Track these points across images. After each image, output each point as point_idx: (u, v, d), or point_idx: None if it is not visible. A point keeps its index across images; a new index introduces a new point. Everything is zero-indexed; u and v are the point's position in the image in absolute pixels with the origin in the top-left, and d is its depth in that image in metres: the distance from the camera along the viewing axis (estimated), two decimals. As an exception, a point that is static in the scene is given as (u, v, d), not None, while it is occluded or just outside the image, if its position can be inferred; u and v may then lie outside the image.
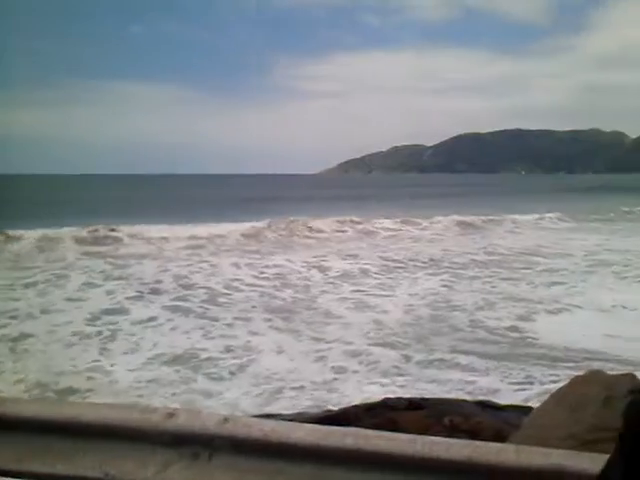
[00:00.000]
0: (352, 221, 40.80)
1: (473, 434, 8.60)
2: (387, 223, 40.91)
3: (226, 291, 19.75)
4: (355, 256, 27.69)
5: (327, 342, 14.15)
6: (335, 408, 10.65)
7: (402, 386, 11.30)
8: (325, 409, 10.75)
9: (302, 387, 11.26)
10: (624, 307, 17.22)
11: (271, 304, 18.30)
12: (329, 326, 15.64)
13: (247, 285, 20.80)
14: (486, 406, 10.83)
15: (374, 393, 10.64)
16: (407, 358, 12.92)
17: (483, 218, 44.07)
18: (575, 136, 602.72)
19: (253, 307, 17.80)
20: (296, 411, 10.18)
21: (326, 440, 2.30)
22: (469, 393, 10.75)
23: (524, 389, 11.13)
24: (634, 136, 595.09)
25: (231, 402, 10.43)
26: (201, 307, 17.54)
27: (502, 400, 10.30)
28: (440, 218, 43.18)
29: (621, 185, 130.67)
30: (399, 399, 11.90)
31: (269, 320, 16.17)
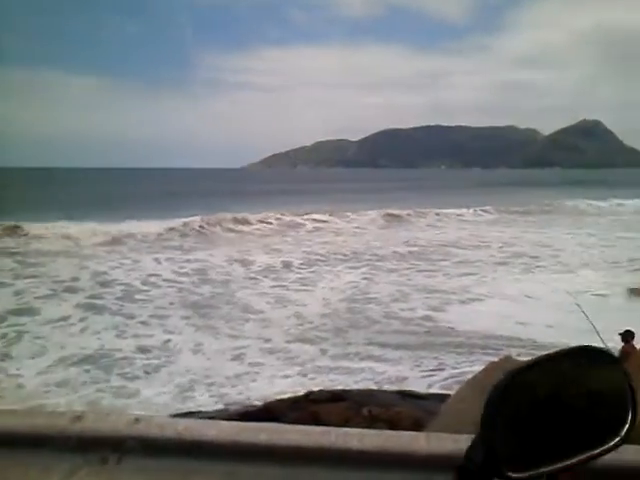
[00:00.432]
0: (278, 216, 40.75)
1: (392, 423, 8.81)
2: (313, 217, 41.11)
3: (145, 287, 19.30)
4: (279, 250, 27.69)
5: (245, 339, 14.08)
6: (258, 403, 10.74)
7: (313, 379, 11.53)
8: (248, 405, 10.78)
9: (215, 384, 11.25)
10: (529, 297, 18.22)
11: (189, 299, 18.03)
12: (247, 323, 15.54)
13: (166, 281, 20.39)
14: (406, 395, 11.14)
15: (286, 387, 10.91)
16: (323, 352, 13.14)
17: (407, 212, 45.01)
18: (492, 132, 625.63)
19: (171, 303, 17.47)
20: (213, 409, 10.20)
21: (241, 436, 2.26)
22: (377, 383, 11.13)
23: (432, 376, 11.59)
24: (547, 133, 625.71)
25: (146, 401, 10.26)
26: (116, 304, 17.09)
27: (409, 387, 10.78)
28: (365, 212, 43.81)
29: (539, 180, 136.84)
30: (321, 392, 12.06)
31: (187, 318, 15.92)
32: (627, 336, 9.57)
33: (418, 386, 10.75)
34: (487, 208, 49.12)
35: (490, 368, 7.42)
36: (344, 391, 10.81)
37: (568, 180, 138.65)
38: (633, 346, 9.33)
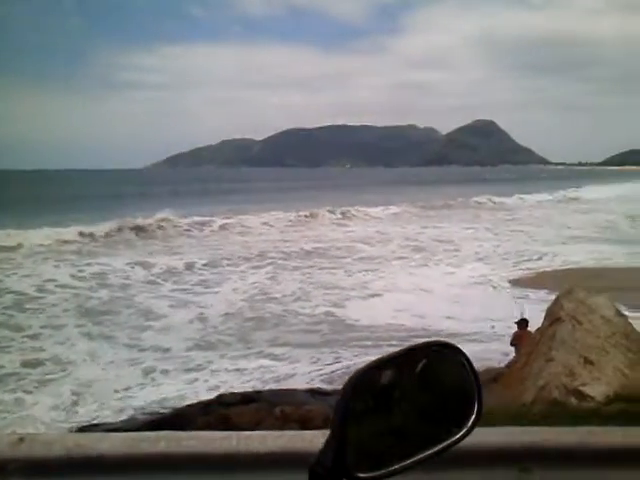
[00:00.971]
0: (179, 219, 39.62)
1: (304, 422, 8.85)
2: (216, 219, 40.43)
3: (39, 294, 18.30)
4: (182, 253, 27.06)
5: (142, 349, 13.67)
6: (165, 411, 10.44)
7: (206, 380, 11.51)
8: (154, 412, 10.46)
9: (106, 396, 10.92)
10: (423, 290, 19.03)
11: (86, 305, 17.30)
12: (146, 331, 15.08)
13: (62, 287, 19.43)
14: (315, 393, 11.25)
15: (175, 392, 10.79)
16: (222, 356, 13.08)
17: (311, 212, 45.18)
18: (394, 131, 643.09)
19: (65, 311, 16.67)
20: (119, 419, 9.83)
21: (136, 447, 2.17)
22: (264, 382, 11.42)
23: (320, 369, 12.00)
24: (445, 132, 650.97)
25: (35, 418, 9.76)
26: (3, 314, 16.09)
27: (295, 383, 11.04)
28: (274, 213, 43.57)
29: (441, 178, 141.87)
30: (233, 394, 11.93)
31: (81, 326, 15.25)
32: (521, 323, 10.41)
33: (302, 381, 11.01)
34: (391, 207, 50.11)
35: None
36: (255, 392, 10.74)
37: (470, 177, 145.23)
38: (526, 331, 10.06)
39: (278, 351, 13.24)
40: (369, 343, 13.47)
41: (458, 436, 1.07)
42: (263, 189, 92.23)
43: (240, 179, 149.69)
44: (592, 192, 70.98)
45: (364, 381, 1.02)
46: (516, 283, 19.71)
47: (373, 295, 18.68)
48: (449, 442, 1.06)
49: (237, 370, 12.15)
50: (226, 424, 9.19)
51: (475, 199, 58.75)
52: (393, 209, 49.10)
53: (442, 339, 1.11)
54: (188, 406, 10.23)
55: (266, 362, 12.55)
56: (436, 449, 1.04)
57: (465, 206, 54.18)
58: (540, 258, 24.69)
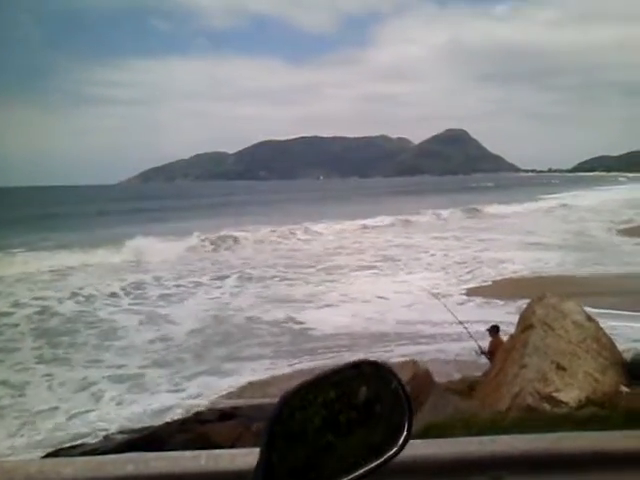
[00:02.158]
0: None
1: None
2: (192, 236, 39.76)
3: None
4: (150, 271, 26.73)
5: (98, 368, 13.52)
6: (138, 427, 10.28)
7: (150, 403, 11.52)
8: (132, 431, 10.29)
9: (58, 421, 10.80)
10: (380, 297, 19.59)
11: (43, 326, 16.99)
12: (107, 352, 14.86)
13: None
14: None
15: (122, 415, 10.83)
16: (175, 373, 13.07)
17: (291, 227, 44.60)
18: (366, 142, 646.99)
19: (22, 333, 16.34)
20: (95, 440, 9.65)
21: (102, 471, 2.11)
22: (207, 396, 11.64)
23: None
24: (417, 142, 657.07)
25: None
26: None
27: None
28: (252, 227, 43.23)
29: (419, 188, 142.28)
30: (211, 411, 11.81)
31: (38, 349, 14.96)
32: (493, 331, 10.45)
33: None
34: (375, 216, 49.89)
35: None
36: (233, 408, 10.66)
37: (454, 187, 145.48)
38: (499, 339, 10.12)
39: (231, 366, 13.29)
40: (327, 351, 13.79)
41: (390, 454, 1.06)
42: (243, 202, 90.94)
43: (219, 193, 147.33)
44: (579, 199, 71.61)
45: (294, 401, 1.02)
46: (472, 292, 20.15)
47: (337, 303, 19.17)
48: (380, 461, 1.05)
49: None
50: (204, 441, 9.09)
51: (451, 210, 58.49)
52: (368, 222, 49.10)
53: (372, 358, 1.11)
54: (166, 424, 10.10)
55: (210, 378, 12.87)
56: (367, 468, 1.03)
57: (441, 216, 53.98)
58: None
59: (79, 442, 9.72)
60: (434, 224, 47.08)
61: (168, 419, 10.37)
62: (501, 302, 17.91)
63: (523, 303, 10.94)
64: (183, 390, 12.23)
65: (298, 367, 12.84)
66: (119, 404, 11.63)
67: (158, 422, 10.00)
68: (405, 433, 1.07)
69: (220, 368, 13.29)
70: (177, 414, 10.85)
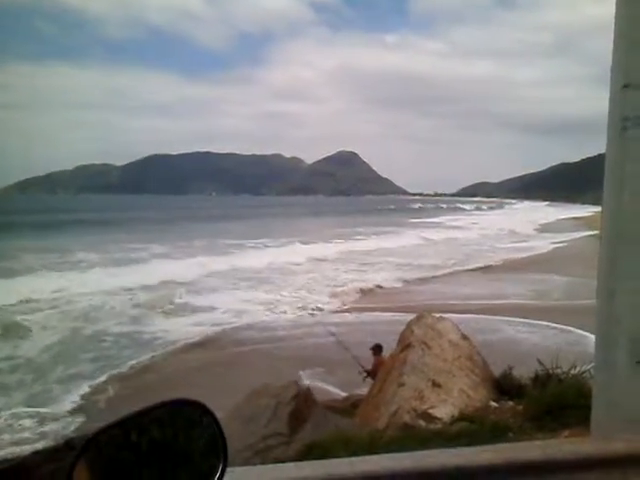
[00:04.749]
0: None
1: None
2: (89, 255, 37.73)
3: None
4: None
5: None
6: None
7: None
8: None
9: None
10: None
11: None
12: None
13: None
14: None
15: None
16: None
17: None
18: (260, 160, 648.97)
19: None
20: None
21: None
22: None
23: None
24: (310, 162, 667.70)
25: None
26: None
27: None
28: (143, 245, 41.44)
29: (317, 209, 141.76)
30: (82, 437, 11.23)
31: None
32: (377, 349, 10.71)
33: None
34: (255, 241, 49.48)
35: (250, 395, 7.57)
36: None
37: (350, 208, 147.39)
38: (382, 358, 10.39)
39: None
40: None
41: None
42: (132, 219, 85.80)
43: (97, 208, 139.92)
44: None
45: (99, 443, 0.99)
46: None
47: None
48: None
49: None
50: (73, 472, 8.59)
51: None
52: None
53: (184, 397, 1.11)
54: (34, 453, 9.44)
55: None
56: None
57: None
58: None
59: None
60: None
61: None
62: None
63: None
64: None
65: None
66: None
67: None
68: (219, 472, 1.06)
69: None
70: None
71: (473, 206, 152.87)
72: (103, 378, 13.60)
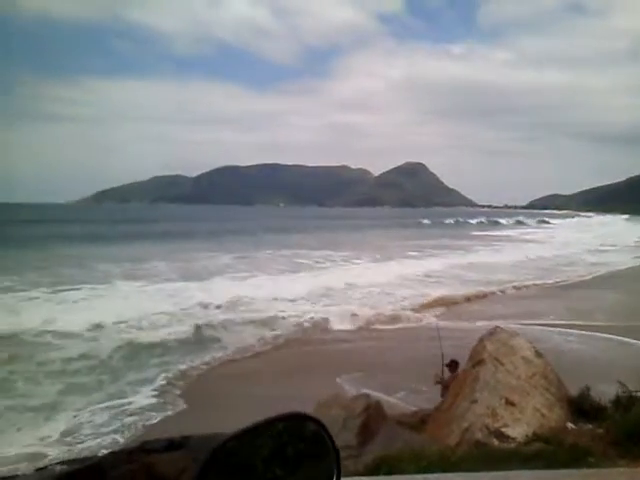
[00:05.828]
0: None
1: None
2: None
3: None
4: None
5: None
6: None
7: None
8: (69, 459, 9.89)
9: None
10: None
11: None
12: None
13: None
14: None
15: None
16: None
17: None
18: (326, 171, 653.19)
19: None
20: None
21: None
22: None
23: None
24: (377, 174, 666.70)
25: None
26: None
27: None
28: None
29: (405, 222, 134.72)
30: (158, 440, 11.50)
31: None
32: (453, 365, 10.51)
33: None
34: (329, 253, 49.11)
35: (320, 406, 7.58)
36: (183, 437, 10.38)
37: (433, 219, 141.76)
38: (455, 373, 10.20)
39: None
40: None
41: None
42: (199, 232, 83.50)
43: (174, 218, 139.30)
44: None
45: (217, 457, 1.01)
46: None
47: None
48: None
49: None
50: (148, 473, 8.83)
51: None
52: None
53: (301, 411, 1.12)
54: (110, 454, 9.77)
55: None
56: None
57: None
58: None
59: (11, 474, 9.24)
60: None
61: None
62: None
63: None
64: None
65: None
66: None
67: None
68: None
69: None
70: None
71: (536, 219, 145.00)
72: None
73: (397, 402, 11.96)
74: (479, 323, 19.00)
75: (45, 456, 9.89)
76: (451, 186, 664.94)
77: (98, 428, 11.37)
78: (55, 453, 10.06)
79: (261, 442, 1.04)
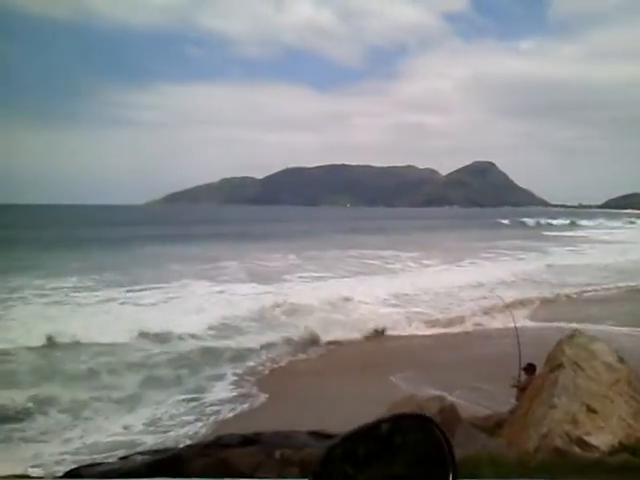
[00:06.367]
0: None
1: (303, 466, 8.69)
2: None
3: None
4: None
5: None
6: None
7: None
8: (153, 450, 10.21)
9: None
10: None
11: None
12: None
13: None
14: (318, 435, 11.04)
15: None
16: None
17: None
18: (393, 172, 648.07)
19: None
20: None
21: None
22: None
23: None
24: (445, 173, 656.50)
25: None
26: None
27: None
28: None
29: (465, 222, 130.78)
30: (232, 435, 11.67)
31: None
32: (530, 369, 10.25)
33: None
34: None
35: (394, 407, 7.53)
36: (256, 434, 10.52)
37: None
38: (532, 377, 9.94)
39: None
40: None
41: None
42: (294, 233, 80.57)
43: (246, 218, 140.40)
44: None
45: (333, 455, 1.01)
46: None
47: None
48: None
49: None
50: (224, 467, 9.02)
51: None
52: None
53: (414, 411, 1.10)
54: (188, 447, 10.02)
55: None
56: None
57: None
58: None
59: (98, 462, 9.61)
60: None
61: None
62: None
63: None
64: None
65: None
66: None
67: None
68: None
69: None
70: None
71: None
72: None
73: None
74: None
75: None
76: (522, 185, 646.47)
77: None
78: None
79: (371, 442, 1.04)
